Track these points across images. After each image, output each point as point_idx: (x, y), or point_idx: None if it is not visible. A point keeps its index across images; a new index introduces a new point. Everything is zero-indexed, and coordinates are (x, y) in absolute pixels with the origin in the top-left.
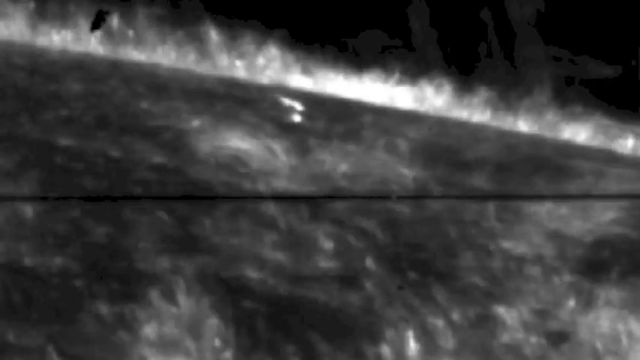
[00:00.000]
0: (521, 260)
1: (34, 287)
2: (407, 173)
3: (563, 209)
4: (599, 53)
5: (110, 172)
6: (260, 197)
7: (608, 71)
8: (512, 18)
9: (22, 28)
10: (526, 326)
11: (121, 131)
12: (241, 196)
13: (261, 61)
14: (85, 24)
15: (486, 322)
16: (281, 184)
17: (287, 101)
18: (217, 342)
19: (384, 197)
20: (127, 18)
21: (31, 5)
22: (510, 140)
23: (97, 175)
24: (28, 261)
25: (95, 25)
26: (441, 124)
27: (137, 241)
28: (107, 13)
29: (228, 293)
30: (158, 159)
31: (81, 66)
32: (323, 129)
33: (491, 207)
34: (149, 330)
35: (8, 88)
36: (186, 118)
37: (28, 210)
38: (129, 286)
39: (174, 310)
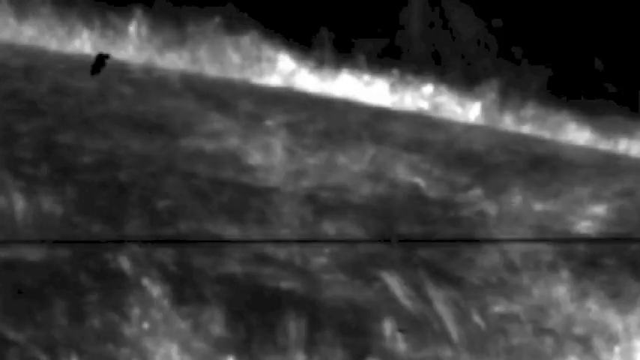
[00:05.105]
0: (515, 257)
1: (31, 282)
2: (404, 171)
3: (557, 205)
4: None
5: (106, 167)
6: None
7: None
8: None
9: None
10: (522, 323)
11: (120, 129)
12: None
13: (261, 60)
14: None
15: (484, 320)
16: (279, 181)
17: (284, 100)
18: (218, 338)
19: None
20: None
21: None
22: (507, 139)
23: (95, 171)
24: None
25: (95, 69)
26: (438, 122)
27: (133, 234)
28: (107, 57)
29: (230, 286)
30: (156, 157)
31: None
32: (319, 127)
33: (485, 203)
34: (149, 322)
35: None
36: (182, 116)
37: (25, 205)
38: (124, 280)
39: (174, 305)
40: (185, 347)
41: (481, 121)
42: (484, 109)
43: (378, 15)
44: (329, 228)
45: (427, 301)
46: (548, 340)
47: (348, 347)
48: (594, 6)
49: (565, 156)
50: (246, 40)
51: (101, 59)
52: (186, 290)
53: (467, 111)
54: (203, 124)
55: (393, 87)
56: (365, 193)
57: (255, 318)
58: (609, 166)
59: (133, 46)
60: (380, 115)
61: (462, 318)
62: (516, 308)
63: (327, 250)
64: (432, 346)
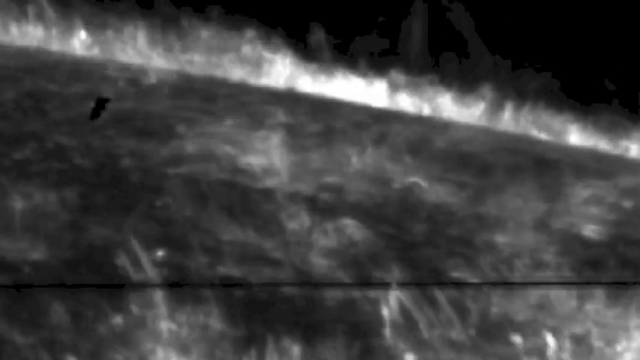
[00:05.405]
0: (515, 257)
1: (31, 282)
2: (399, 170)
3: (557, 205)
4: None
5: (106, 167)
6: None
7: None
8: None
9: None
10: (522, 323)
11: (120, 130)
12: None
13: (260, 61)
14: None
15: (484, 320)
16: (279, 181)
17: (284, 102)
18: (217, 338)
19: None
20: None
21: None
22: (507, 139)
23: (95, 171)
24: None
25: (95, 114)
26: (438, 123)
27: (132, 236)
28: (107, 100)
29: (227, 289)
30: (154, 157)
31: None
32: (319, 128)
33: (485, 203)
34: (148, 322)
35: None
36: (181, 117)
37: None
38: (124, 280)
39: (173, 305)
40: (184, 347)
41: (481, 122)
42: (484, 109)
43: (378, 16)
44: (328, 228)
45: (427, 300)
46: (549, 340)
47: (348, 347)
48: (594, 8)
49: (565, 156)
50: (246, 40)
51: (101, 103)
52: (185, 290)
53: (467, 112)
54: (203, 124)
55: (392, 88)
56: (364, 193)
57: (254, 318)
58: (609, 166)
59: (132, 46)
60: (379, 115)
61: (462, 318)
62: (516, 308)
63: (327, 250)
64: (432, 345)
